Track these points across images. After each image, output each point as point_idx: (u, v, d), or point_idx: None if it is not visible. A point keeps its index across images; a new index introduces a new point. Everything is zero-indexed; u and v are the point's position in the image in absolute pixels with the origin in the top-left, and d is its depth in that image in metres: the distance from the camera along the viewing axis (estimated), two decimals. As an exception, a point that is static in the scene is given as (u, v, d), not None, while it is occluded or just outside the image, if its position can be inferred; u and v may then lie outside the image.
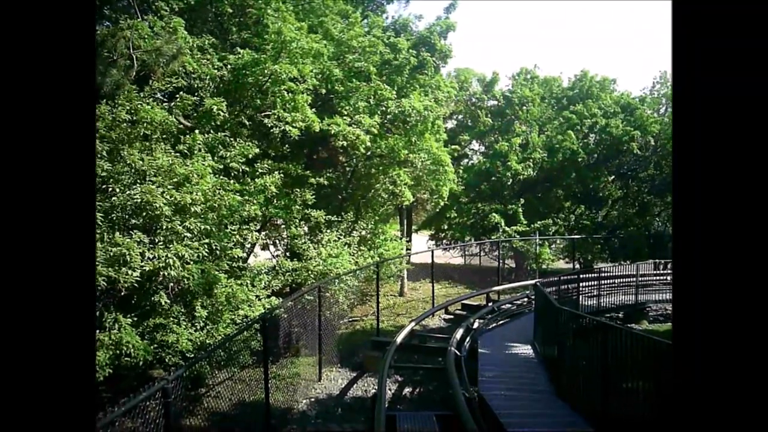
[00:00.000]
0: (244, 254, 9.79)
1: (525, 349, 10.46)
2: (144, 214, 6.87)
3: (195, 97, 9.38)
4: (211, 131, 9.25)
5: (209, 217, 7.75)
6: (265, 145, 12.57)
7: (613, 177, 24.32)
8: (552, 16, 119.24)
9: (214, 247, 7.81)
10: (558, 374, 8.20)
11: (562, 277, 13.71)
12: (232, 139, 9.51)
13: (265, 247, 14.80)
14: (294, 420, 9.38)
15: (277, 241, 14.40)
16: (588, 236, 22.07)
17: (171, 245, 7.08)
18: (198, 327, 9.44)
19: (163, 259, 6.87)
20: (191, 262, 7.38)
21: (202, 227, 7.52)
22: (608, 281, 15.71)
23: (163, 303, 7.42)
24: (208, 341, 9.37)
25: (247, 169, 10.25)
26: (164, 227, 7.13)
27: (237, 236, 10.03)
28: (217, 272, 9.33)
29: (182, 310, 8.94)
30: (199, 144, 8.58)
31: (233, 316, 9.92)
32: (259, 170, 10.28)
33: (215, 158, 8.97)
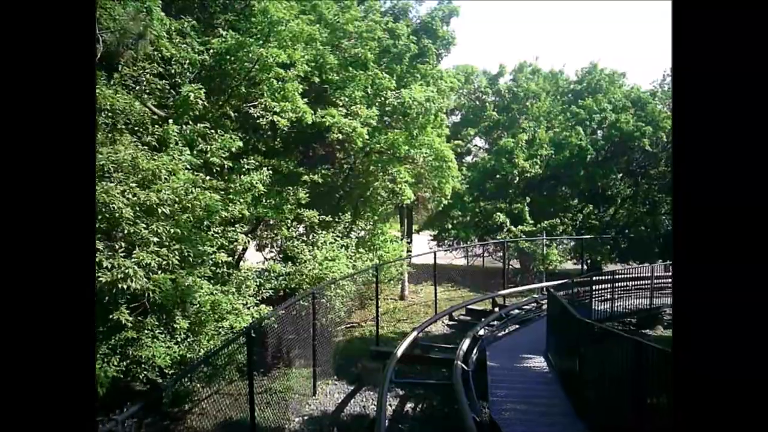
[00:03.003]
0: (230, 259, 8.87)
1: (538, 362, 9.57)
2: (100, 217, 5.91)
3: (164, 82, 8.38)
4: (190, 122, 8.29)
5: (182, 219, 6.79)
6: (255, 140, 11.65)
7: (621, 174, 23.35)
8: (553, 8, 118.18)
9: (186, 254, 6.82)
10: (578, 392, 7.29)
11: (574, 281, 12.83)
12: (213, 131, 8.54)
13: (261, 248, 13.91)
14: (285, 442, 8.51)
15: (272, 243, 13.52)
16: (597, 236, 21.15)
17: (134, 252, 6.11)
18: (178, 340, 8.56)
19: (122, 269, 5.90)
20: (159, 272, 6.41)
21: (172, 231, 6.54)
22: (621, 284, 14.82)
23: (124, 321, 6.46)
24: (189, 355, 8.49)
25: (232, 164, 9.31)
26: (126, 232, 6.17)
27: (221, 239, 9.13)
28: (199, 278, 8.43)
29: (157, 322, 8.04)
30: (174, 136, 7.59)
31: (218, 327, 9.03)
32: (246, 166, 9.34)
33: (194, 152, 8.02)
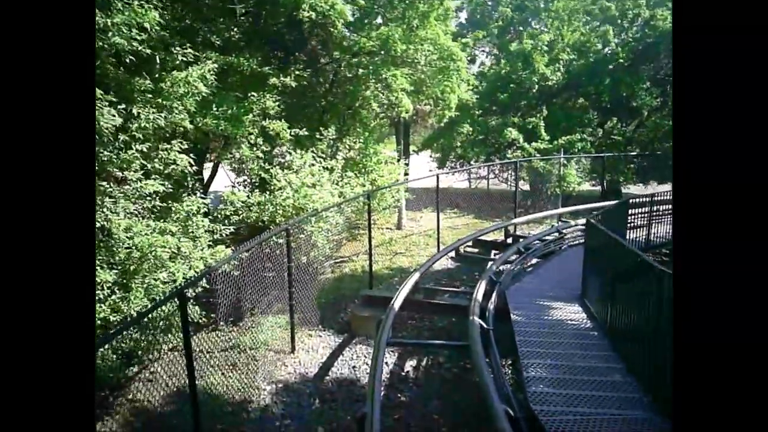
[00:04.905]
0: (163, 186, 6.48)
1: (573, 312, 7.50)
2: None
3: None
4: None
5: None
6: (205, 30, 8.81)
7: (648, 83, 20.33)
8: None
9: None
10: (655, 375, 5.15)
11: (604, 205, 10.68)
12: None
13: (239, 173, 11.45)
14: (251, 420, 6.64)
15: (239, 167, 11.06)
16: (619, 154, 18.67)
17: None
18: (100, 297, 6.42)
19: None
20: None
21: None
22: (657, 209, 12.65)
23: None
24: (113, 318, 6.38)
25: (164, 56, 6.62)
26: None
27: (155, 162, 6.68)
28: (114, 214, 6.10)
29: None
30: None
31: (155, 278, 6.87)
32: (181, 57, 6.64)
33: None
